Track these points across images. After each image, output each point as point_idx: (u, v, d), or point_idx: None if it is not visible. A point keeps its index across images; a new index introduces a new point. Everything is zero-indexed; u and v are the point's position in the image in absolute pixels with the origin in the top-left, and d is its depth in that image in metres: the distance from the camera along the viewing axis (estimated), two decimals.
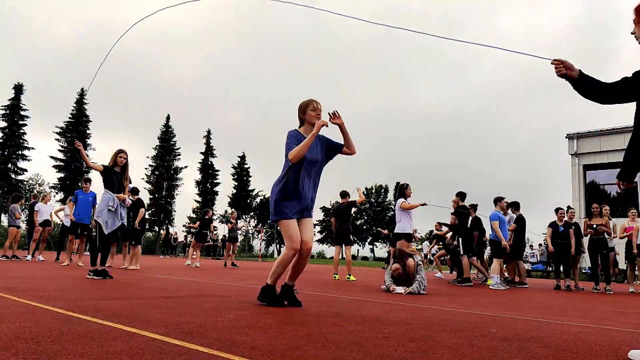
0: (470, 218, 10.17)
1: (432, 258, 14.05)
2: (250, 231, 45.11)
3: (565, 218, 10.06)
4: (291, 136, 3.89)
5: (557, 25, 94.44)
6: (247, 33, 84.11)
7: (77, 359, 1.76)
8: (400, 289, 6.15)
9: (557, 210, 10.13)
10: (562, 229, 9.95)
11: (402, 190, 8.77)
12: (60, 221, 12.47)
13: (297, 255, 3.93)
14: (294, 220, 3.85)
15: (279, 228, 3.98)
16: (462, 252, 9.78)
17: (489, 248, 11.85)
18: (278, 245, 47.89)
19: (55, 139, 42.29)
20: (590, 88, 2.62)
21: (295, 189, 3.84)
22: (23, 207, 12.88)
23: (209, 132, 51.03)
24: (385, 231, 15.96)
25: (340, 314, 3.61)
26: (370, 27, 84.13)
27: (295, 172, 3.85)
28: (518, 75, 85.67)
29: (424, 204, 9.00)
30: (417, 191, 9.18)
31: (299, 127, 4.04)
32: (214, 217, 47.75)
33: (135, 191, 10.40)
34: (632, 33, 2.53)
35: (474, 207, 10.47)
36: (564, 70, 2.66)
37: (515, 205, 10.65)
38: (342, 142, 4.11)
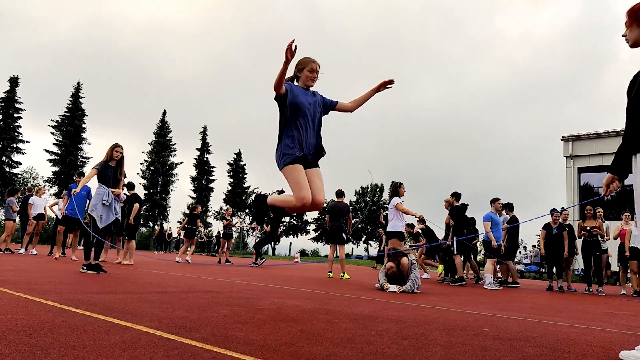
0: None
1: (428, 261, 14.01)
2: (245, 228, 45.06)
3: (559, 220, 10.12)
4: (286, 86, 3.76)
5: (556, 27, 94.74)
6: (246, 31, 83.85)
7: (69, 352, 1.76)
8: (394, 288, 6.16)
9: (552, 212, 10.19)
10: (555, 230, 10.02)
11: (395, 189, 8.78)
12: (55, 215, 12.42)
13: (311, 206, 3.72)
14: (300, 166, 3.63)
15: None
16: (455, 252, 9.82)
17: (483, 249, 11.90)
18: (272, 243, 47.77)
19: (50, 132, 42.09)
20: (628, 152, 2.57)
21: (295, 131, 3.67)
22: (18, 199, 12.80)
23: (205, 128, 50.92)
24: (383, 222, 15.97)
25: (333, 311, 3.62)
26: (369, 27, 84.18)
27: (293, 119, 3.69)
28: (516, 76, 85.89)
29: (420, 217, 9.09)
30: (414, 191, 9.31)
31: (294, 81, 3.89)
32: (209, 214, 47.70)
33: (131, 186, 10.36)
34: (623, 36, 2.53)
35: (465, 206, 10.52)
36: (615, 184, 2.66)
37: (509, 207, 10.71)
38: (337, 101, 4.01)
